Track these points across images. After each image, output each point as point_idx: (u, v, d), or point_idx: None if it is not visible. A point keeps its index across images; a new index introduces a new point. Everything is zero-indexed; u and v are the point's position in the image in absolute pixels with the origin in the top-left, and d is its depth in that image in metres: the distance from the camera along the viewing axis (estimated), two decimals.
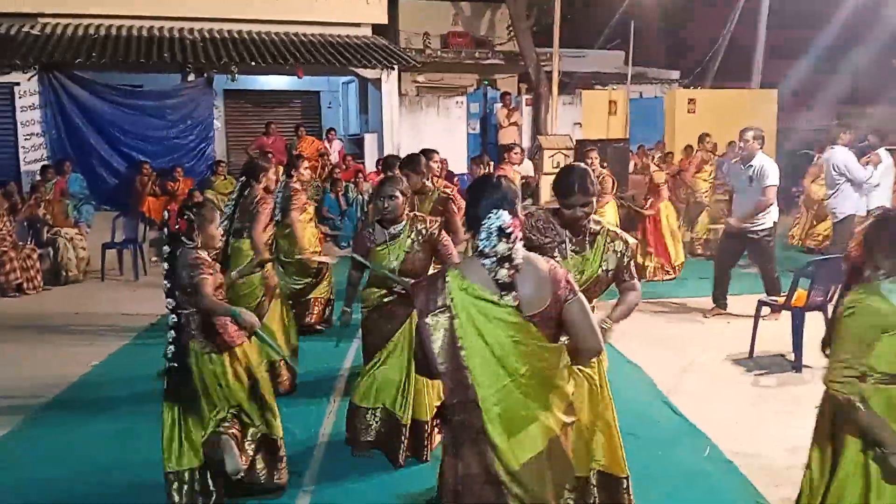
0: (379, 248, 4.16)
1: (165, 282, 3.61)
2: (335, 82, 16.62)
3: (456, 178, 12.13)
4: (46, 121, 12.61)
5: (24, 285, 9.06)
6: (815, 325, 5.45)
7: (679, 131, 15.92)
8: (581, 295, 2.50)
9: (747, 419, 4.91)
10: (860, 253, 2.80)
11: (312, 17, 15.34)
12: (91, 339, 7.09)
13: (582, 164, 3.60)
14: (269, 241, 5.74)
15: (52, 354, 6.62)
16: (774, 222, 7.16)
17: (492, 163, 9.11)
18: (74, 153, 12.57)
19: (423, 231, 4.13)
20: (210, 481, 3.70)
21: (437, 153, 6.21)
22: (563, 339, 2.58)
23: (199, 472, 3.66)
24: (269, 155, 11.94)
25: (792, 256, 9.95)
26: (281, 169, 7.65)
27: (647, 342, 6.46)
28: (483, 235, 2.40)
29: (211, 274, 3.57)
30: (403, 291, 4.06)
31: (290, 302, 6.44)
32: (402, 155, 9.86)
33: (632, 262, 3.32)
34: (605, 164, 9.19)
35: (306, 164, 6.90)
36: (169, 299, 3.61)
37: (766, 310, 6.50)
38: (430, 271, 4.07)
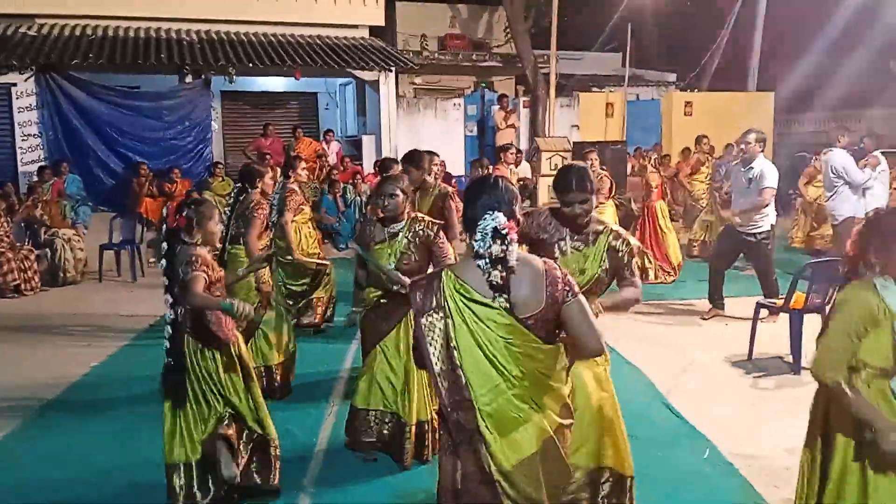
0: (377, 246, 4.16)
1: (164, 278, 3.61)
2: (333, 84, 16.62)
3: (454, 181, 12.14)
4: (43, 122, 12.58)
5: (22, 286, 9.06)
6: (813, 327, 5.44)
7: (676, 134, 16.00)
8: (581, 296, 2.49)
9: (746, 420, 4.92)
10: (855, 252, 2.84)
11: (310, 19, 15.35)
12: (89, 340, 7.09)
13: (580, 162, 3.62)
14: (268, 244, 5.72)
15: (51, 355, 6.61)
16: (772, 225, 7.18)
17: (490, 166, 9.16)
18: (72, 154, 12.54)
19: (421, 232, 4.10)
20: (210, 477, 3.69)
21: (438, 156, 6.22)
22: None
23: (198, 466, 3.65)
24: (267, 156, 11.96)
25: (794, 259, 9.97)
26: (279, 171, 7.65)
27: (647, 344, 6.47)
28: (478, 236, 2.40)
29: (205, 272, 3.54)
30: (402, 292, 4.05)
31: (290, 302, 6.45)
32: (400, 157, 9.88)
33: (633, 262, 3.32)
34: (604, 166, 9.23)
35: (304, 164, 6.88)
36: (167, 295, 3.61)
37: (764, 312, 6.52)
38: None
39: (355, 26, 15.87)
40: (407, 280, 3.85)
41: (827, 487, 2.82)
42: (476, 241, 2.40)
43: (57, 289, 9.50)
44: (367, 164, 14.19)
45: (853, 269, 2.84)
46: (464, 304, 2.42)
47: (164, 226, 3.68)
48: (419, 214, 4.27)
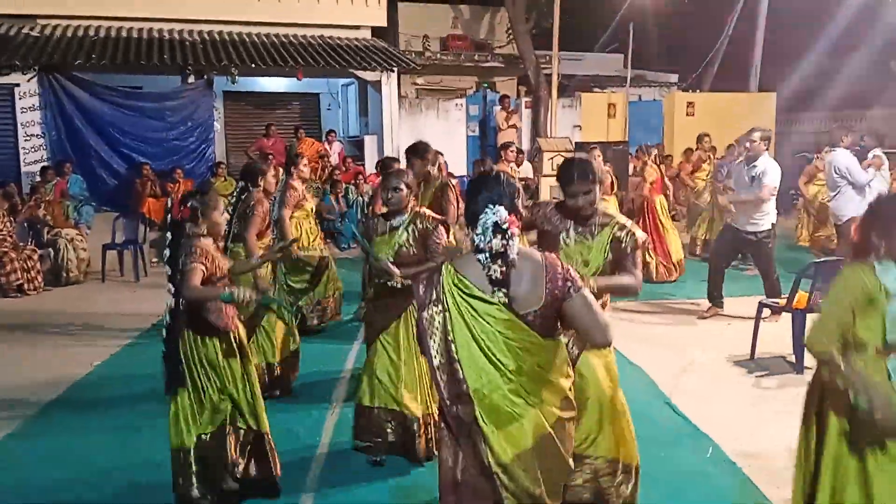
0: (378, 238, 4.17)
1: (167, 267, 3.62)
2: (335, 84, 16.64)
3: (456, 181, 12.14)
4: (46, 122, 12.61)
5: (25, 286, 9.07)
6: None
7: (678, 134, 16.00)
8: (585, 290, 2.48)
9: (749, 420, 4.92)
10: (859, 238, 2.89)
11: (312, 20, 15.37)
12: (92, 339, 7.10)
13: (583, 154, 3.64)
14: (271, 242, 5.71)
15: (53, 355, 6.62)
16: (773, 224, 7.16)
17: (493, 167, 9.19)
18: (74, 154, 12.57)
19: (421, 226, 4.09)
20: (212, 473, 3.68)
21: (442, 154, 6.23)
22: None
23: (199, 456, 3.64)
24: (270, 157, 11.96)
25: (799, 258, 9.95)
26: (281, 171, 7.65)
27: (648, 343, 6.47)
28: (479, 230, 2.41)
29: (203, 263, 3.53)
30: (392, 282, 4.05)
31: (290, 299, 6.40)
32: (402, 157, 9.87)
33: (636, 254, 3.33)
34: (607, 163, 9.25)
35: (305, 161, 6.87)
36: (169, 284, 3.62)
37: (766, 311, 6.51)
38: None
39: (357, 27, 15.89)
40: (396, 270, 3.86)
41: (822, 463, 2.85)
42: (477, 234, 2.41)
43: (60, 288, 9.51)
44: (369, 165, 14.20)
45: (858, 255, 2.86)
46: (462, 298, 2.43)
47: (169, 216, 3.68)
48: (423, 210, 4.27)
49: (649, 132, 16.15)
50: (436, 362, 2.47)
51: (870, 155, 8.50)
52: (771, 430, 4.72)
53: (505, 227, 2.37)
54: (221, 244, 4.38)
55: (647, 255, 8.98)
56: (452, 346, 2.43)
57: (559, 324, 2.52)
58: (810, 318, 5.74)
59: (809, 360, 5.63)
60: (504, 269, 2.38)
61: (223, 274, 3.71)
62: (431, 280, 2.51)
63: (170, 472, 3.68)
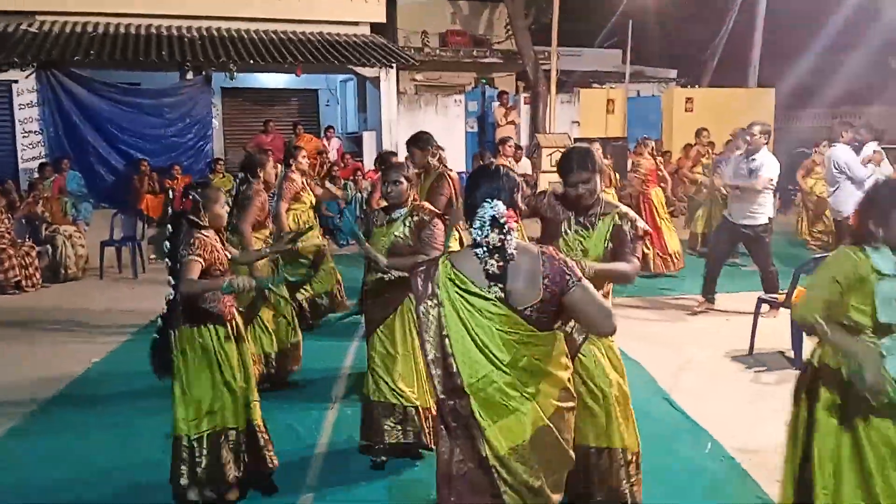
0: (376, 230, 4.15)
1: (167, 259, 3.62)
2: (333, 80, 16.62)
3: (454, 174, 12.13)
4: (44, 118, 12.59)
5: (23, 283, 9.07)
6: None
7: (677, 130, 16.00)
8: (585, 280, 2.46)
9: (748, 415, 4.92)
10: (857, 224, 2.91)
11: (311, 16, 15.34)
12: (91, 336, 7.10)
13: (583, 145, 3.65)
14: (270, 234, 5.70)
15: (52, 352, 6.61)
16: (770, 218, 7.15)
17: (493, 160, 9.19)
18: (72, 151, 12.56)
19: (418, 219, 4.06)
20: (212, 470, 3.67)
21: (444, 150, 6.22)
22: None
23: (198, 446, 3.64)
24: (268, 153, 11.93)
25: (801, 254, 9.96)
26: (280, 167, 7.63)
27: (647, 339, 6.47)
28: (476, 224, 2.40)
29: (201, 255, 3.53)
30: (393, 277, 4.05)
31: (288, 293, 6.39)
32: (401, 154, 9.83)
33: (636, 245, 3.34)
34: (608, 157, 9.25)
35: (304, 153, 6.86)
36: (169, 276, 3.63)
37: (765, 307, 6.52)
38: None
39: (356, 23, 15.86)
40: (383, 259, 3.86)
41: (814, 440, 2.89)
42: (474, 228, 2.40)
43: (58, 285, 9.50)
44: (368, 161, 14.19)
45: (857, 241, 2.88)
46: (457, 293, 2.42)
47: (171, 208, 3.69)
48: (424, 203, 4.25)
49: (648, 128, 16.11)
50: (430, 356, 2.47)
51: (866, 149, 8.49)
52: (769, 425, 4.71)
53: (502, 221, 2.37)
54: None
55: (644, 247, 8.97)
56: (447, 340, 2.43)
57: (558, 316, 2.51)
58: None
59: (808, 355, 5.64)
60: (501, 263, 2.37)
61: (224, 266, 3.71)
62: (429, 274, 2.50)
63: (169, 472, 3.68)
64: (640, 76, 19.48)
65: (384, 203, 4.24)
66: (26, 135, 12.57)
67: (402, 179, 4.08)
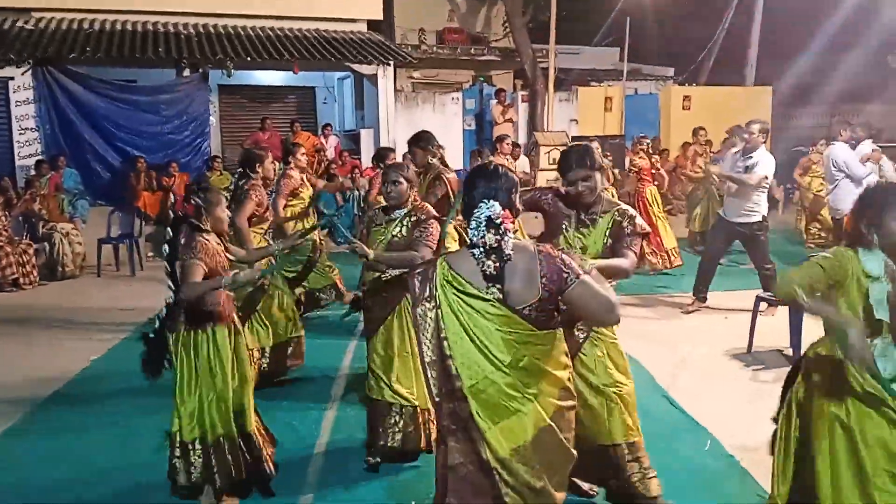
0: (374, 230, 4.14)
1: (166, 264, 3.60)
2: (331, 78, 16.58)
3: (453, 175, 12.12)
4: (41, 116, 12.54)
5: (21, 280, 9.06)
6: (812, 320, 5.46)
7: (675, 128, 16.02)
8: (585, 275, 2.46)
9: (746, 413, 4.92)
10: (852, 227, 2.93)
11: (308, 13, 15.30)
12: (89, 334, 7.08)
13: (583, 143, 3.66)
14: (267, 229, 5.69)
15: (50, 350, 6.60)
16: (764, 216, 7.15)
17: (491, 157, 9.19)
18: (69, 148, 12.50)
19: (415, 218, 4.04)
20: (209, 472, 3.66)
21: (444, 148, 6.21)
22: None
23: (192, 449, 3.62)
24: (266, 150, 11.91)
25: (799, 252, 9.97)
26: (278, 165, 7.61)
27: (645, 337, 6.47)
28: (473, 225, 2.40)
29: (203, 259, 3.51)
30: (389, 276, 4.03)
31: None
32: (399, 151, 9.82)
33: (634, 240, 3.34)
34: (607, 154, 9.25)
35: (303, 150, 6.85)
36: (169, 281, 3.61)
37: (763, 305, 6.52)
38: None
39: (353, 20, 15.82)
40: (370, 252, 3.84)
41: (809, 424, 2.92)
42: (471, 229, 2.41)
43: (55, 283, 9.49)
44: (366, 159, 14.15)
45: (850, 243, 2.89)
46: (455, 295, 2.42)
47: (172, 212, 3.67)
48: (424, 204, 4.24)
49: (646, 126, 16.12)
50: (427, 359, 2.47)
51: (861, 147, 8.49)
52: (769, 423, 4.72)
53: (498, 222, 2.36)
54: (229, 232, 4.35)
55: (644, 246, 8.97)
56: (445, 342, 2.42)
57: (557, 313, 2.51)
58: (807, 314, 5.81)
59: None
60: (498, 264, 2.37)
61: (226, 270, 3.69)
62: (426, 276, 2.50)
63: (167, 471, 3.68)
64: (638, 74, 19.48)
65: (382, 200, 4.21)
66: (23, 132, 12.52)
67: (402, 179, 4.05)
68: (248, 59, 13.20)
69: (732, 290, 7.73)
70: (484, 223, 2.37)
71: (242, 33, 14.36)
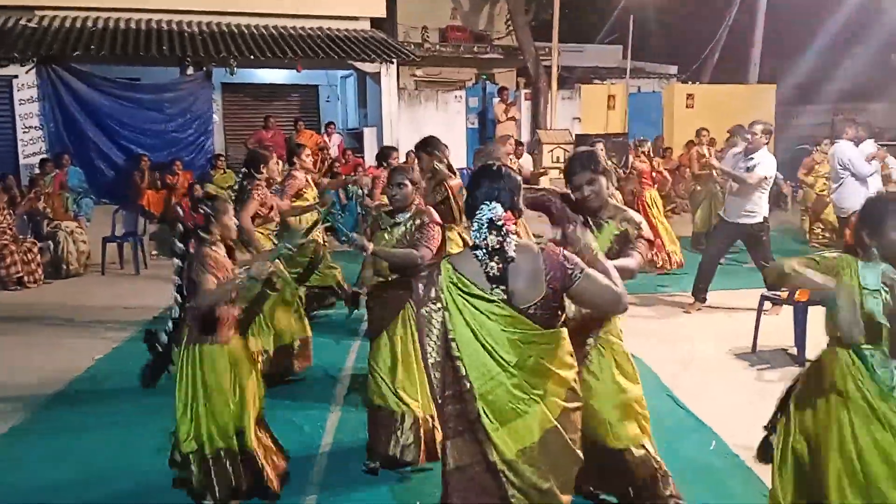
0: (379, 234, 4.14)
1: (175, 276, 3.60)
2: (334, 76, 16.60)
3: (457, 181, 12.12)
4: (45, 114, 12.58)
5: (25, 279, 9.07)
6: (817, 319, 5.46)
7: (677, 126, 16.01)
8: (588, 269, 2.47)
9: (751, 412, 4.89)
10: (853, 238, 2.93)
11: (311, 11, 15.33)
12: (93, 332, 7.09)
13: (589, 147, 3.65)
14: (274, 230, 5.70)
15: (54, 348, 6.61)
16: (765, 217, 7.14)
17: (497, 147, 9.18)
18: (73, 146, 12.55)
19: (419, 222, 4.04)
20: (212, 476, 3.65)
21: (448, 149, 6.21)
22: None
23: (194, 459, 3.61)
24: (270, 149, 11.92)
25: (804, 251, 9.96)
26: (282, 164, 7.63)
27: (648, 337, 6.47)
28: (475, 227, 2.41)
29: (213, 272, 3.51)
30: (389, 279, 4.03)
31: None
32: (402, 149, 9.80)
33: (640, 242, 3.33)
34: (612, 156, 9.25)
35: (308, 151, 6.86)
36: (176, 294, 3.60)
37: (767, 304, 6.52)
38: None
39: (356, 18, 15.84)
40: (370, 245, 3.83)
41: (812, 433, 2.94)
42: (473, 231, 2.41)
43: (60, 281, 9.50)
44: (369, 157, 14.17)
45: (851, 252, 2.91)
46: (460, 296, 2.43)
47: (181, 224, 3.64)
48: (428, 208, 4.24)
49: (649, 124, 16.15)
50: (431, 360, 2.47)
51: (863, 147, 8.48)
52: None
53: (500, 224, 2.37)
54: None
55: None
56: (453, 344, 2.42)
57: (561, 312, 2.52)
58: (812, 311, 5.80)
59: (811, 352, 5.64)
60: (501, 265, 2.37)
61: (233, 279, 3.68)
62: (431, 278, 2.50)
63: (170, 472, 3.68)
64: (641, 72, 19.46)
65: (385, 199, 4.21)
66: (27, 130, 12.56)
67: (407, 182, 4.05)
68: (252, 57, 13.22)
69: (736, 289, 7.72)
70: (486, 225, 2.37)
71: (246, 31, 14.38)
